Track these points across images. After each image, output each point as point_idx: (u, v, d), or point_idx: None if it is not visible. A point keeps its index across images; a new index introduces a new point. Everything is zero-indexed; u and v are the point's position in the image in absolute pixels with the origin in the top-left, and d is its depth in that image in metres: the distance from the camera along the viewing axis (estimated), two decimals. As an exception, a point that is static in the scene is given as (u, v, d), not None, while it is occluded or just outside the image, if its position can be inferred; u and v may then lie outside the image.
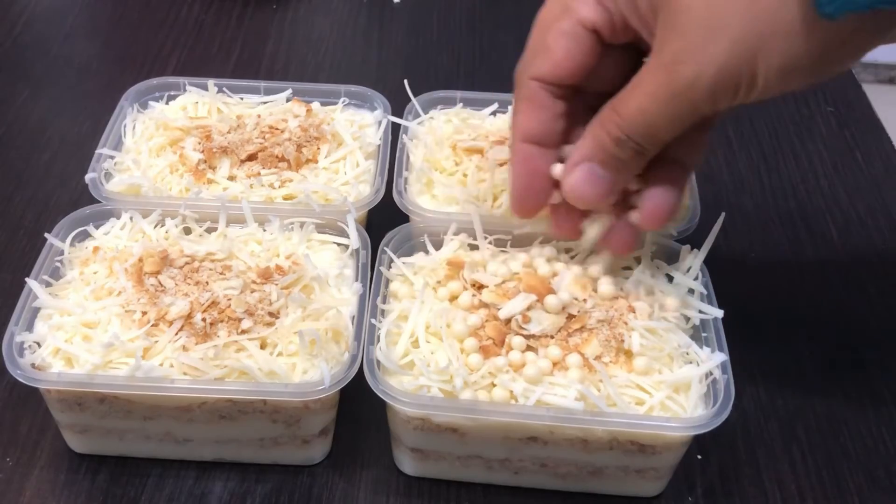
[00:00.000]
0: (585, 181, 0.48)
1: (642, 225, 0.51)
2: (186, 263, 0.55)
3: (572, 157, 0.49)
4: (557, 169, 0.51)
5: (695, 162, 0.51)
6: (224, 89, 0.68)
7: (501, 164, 0.61)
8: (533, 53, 0.49)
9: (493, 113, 0.68)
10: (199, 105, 0.66)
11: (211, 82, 0.68)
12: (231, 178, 0.62)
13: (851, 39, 0.40)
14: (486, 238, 0.57)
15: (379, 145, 0.65)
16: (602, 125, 0.47)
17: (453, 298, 0.54)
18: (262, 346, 0.51)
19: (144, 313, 0.52)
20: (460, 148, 0.64)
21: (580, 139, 0.49)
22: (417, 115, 0.68)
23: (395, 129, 0.66)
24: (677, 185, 0.50)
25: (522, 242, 0.58)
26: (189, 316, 0.52)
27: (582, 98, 0.50)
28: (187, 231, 0.59)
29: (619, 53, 0.49)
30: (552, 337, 0.52)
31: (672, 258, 0.57)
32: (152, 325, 0.51)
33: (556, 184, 0.51)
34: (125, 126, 0.66)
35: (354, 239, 0.58)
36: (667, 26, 0.43)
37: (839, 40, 0.40)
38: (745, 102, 0.44)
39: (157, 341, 0.51)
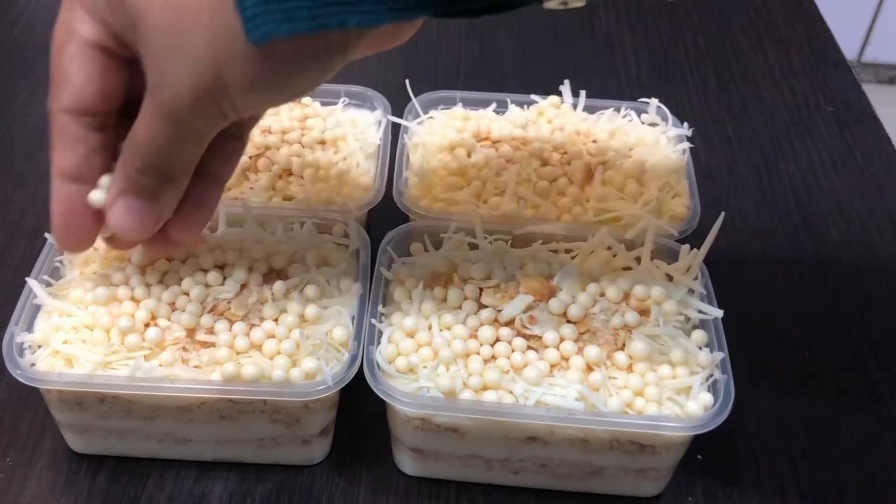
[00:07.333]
0: (127, 215, 0.45)
1: (173, 236, 0.49)
2: (187, 263, 0.55)
3: (111, 191, 0.46)
4: (95, 196, 0.46)
5: (229, 172, 0.49)
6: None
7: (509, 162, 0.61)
8: (55, 84, 0.44)
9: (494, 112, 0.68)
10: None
11: None
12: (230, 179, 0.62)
13: (301, 60, 0.40)
14: (486, 238, 0.57)
15: (379, 145, 0.65)
16: (125, 156, 0.44)
17: (453, 299, 0.54)
18: (262, 347, 0.51)
19: (145, 314, 0.52)
20: (460, 148, 0.64)
21: (116, 170, 0.46)
22: (417, 115, 0.68)
23: (396, 129, 0.66)
24: (207, 199, 0.48)
25: (522, 242, 0.58)
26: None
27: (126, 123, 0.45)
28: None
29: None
30: (553, 338, 0.52)
31: (672, 258, 0.57)
32: (152, 326, 0.51)
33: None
34: (125, 126, 0.66)
35: (354, 239, 0.58)
36: (142, 49, 0.41)
37: (290, 62, 0.40)
38: (243, 118, 0.44)
39: (157, 342, 0.51)
